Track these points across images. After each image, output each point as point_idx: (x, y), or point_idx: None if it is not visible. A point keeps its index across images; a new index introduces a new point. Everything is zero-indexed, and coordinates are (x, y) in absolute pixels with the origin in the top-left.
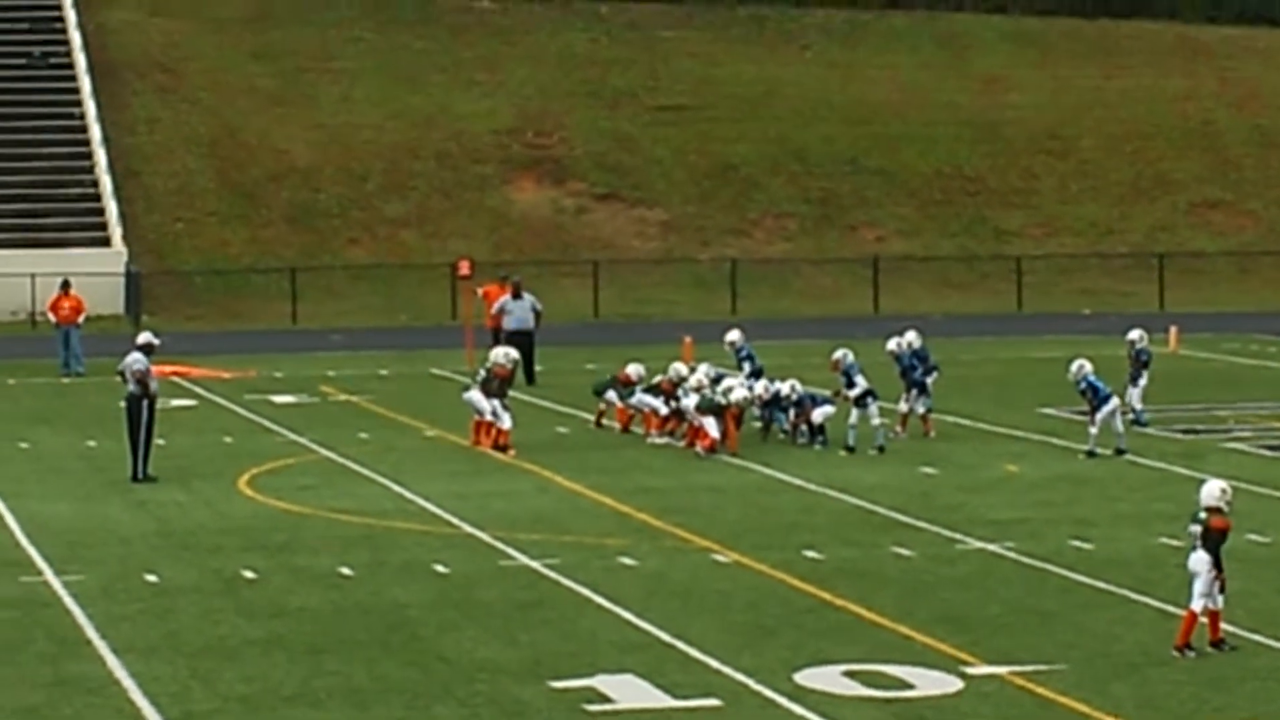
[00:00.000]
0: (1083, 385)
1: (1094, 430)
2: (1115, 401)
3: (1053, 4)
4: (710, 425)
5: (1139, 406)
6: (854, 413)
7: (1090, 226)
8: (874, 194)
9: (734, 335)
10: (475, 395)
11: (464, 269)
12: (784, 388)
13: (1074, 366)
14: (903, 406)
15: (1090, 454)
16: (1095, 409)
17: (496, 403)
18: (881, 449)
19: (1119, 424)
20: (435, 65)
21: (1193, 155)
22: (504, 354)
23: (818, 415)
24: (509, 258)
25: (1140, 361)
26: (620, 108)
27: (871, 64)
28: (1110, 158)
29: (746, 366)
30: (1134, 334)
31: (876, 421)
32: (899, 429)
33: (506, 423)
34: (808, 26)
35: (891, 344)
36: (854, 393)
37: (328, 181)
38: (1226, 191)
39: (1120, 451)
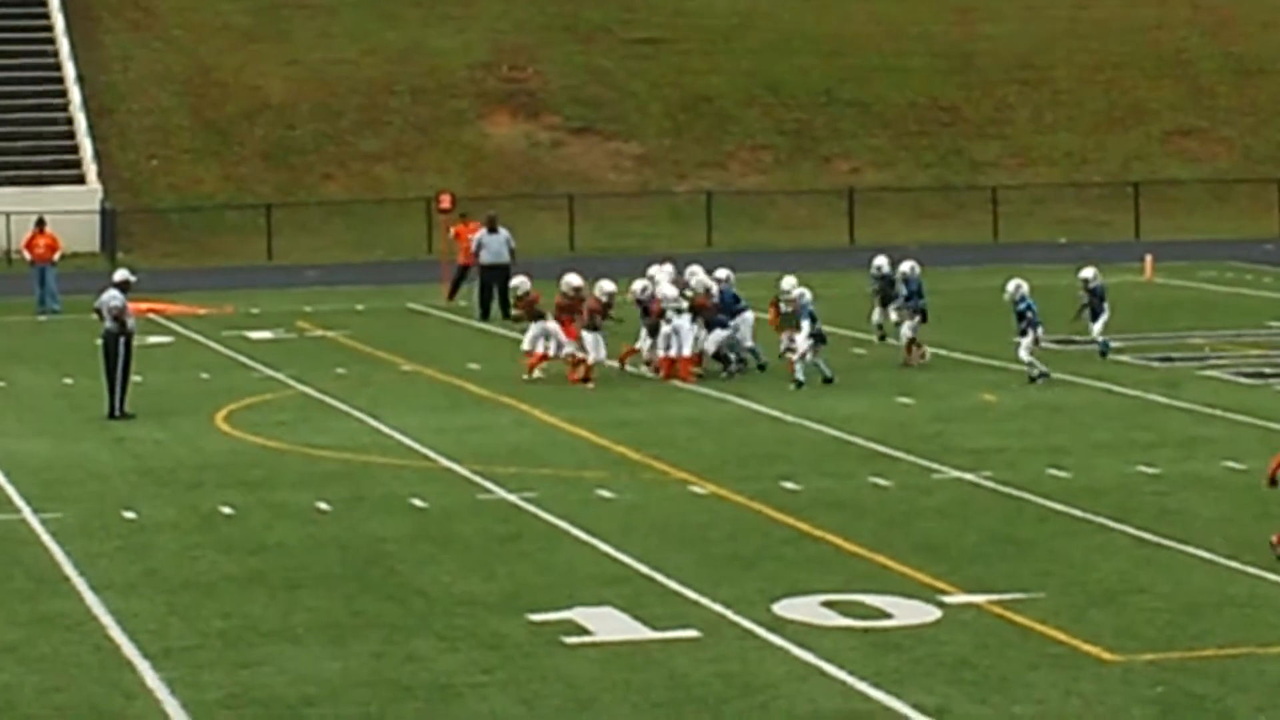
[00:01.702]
0: (1022, 305)
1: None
2: (1040, 330)
3: None
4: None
5: (1101, 338)
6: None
7: (1065, 156)
8: (848, 125)
9: (723, 273)
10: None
11: (444, 203)
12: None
13: (1011, 286)
14: (906, 332)
15: (1042, 376)
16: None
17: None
18: (799, 384)
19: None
20: (410, 0)
21: (1166, 84)
22: (599, 287)
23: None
24: (484, 192)
25: (1098, 296)
26: (594, 41)
27: None
28: (1084, 87)
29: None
30: (1087, 272)
31: (801, 354)
32: (915, 354)
33: (592, 354)
34: None
35: (881, 260)
36: (802, 335)
37: (303, 118)
38: (1201, 119)
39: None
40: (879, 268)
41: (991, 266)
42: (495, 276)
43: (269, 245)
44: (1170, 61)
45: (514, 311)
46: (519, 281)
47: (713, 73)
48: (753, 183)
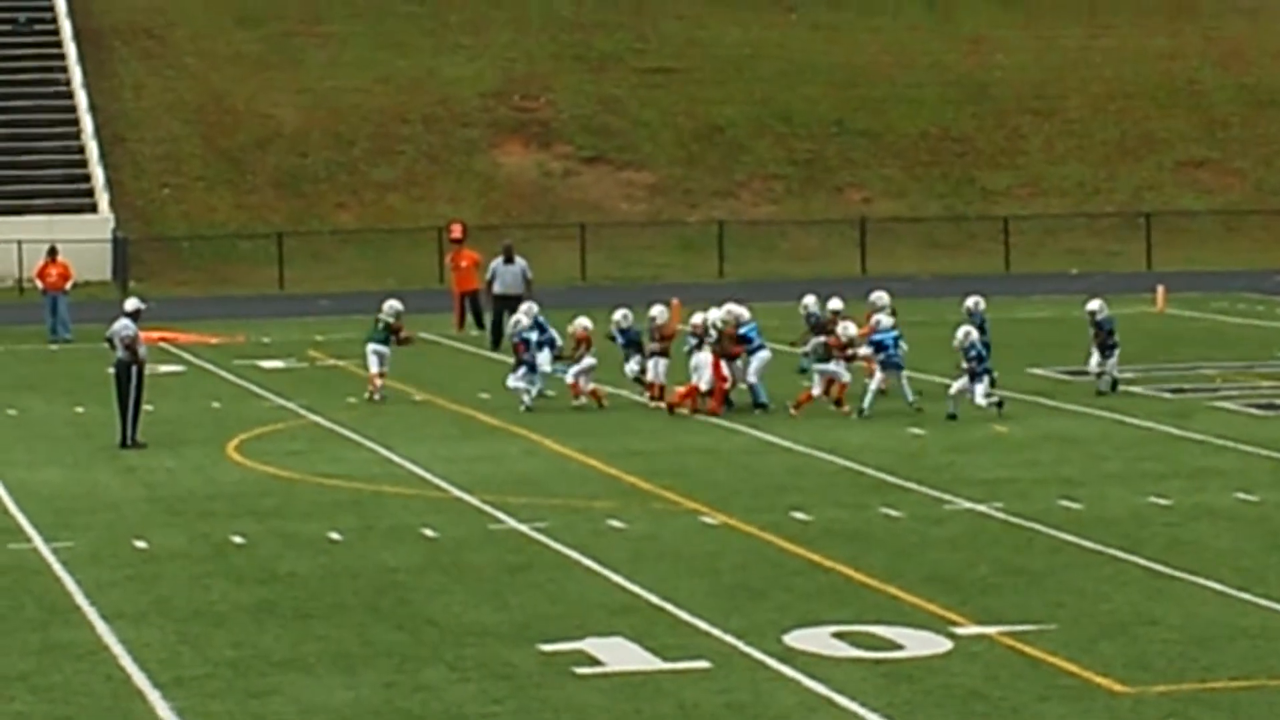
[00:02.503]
0: (973, 352)
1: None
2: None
3: None
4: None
5: (1101, 370)
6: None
7: (1077, 186)
8: (860, 155)
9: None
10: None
11: (456, 232)
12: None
13: (960, 334)
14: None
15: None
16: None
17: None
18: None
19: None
20: (422, 29)
21: (1178, 114)
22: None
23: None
24: (496, 221)
25: (1106, 330)
26: (606, 70)
27: (857, 25)
28: (1096, 117)
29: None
30: (1093, 304)
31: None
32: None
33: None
34: None
35: (809, 300)
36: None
37: (315, 146)
38: (1213, 150)
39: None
40: (805, 306)
41: (1003, 297)
42: (508, 306)
43: (281, 274)
44: (1182, 92)
45: (652, 346)
46: (656, 311)
47: (724, 102)
48: (764, 213)
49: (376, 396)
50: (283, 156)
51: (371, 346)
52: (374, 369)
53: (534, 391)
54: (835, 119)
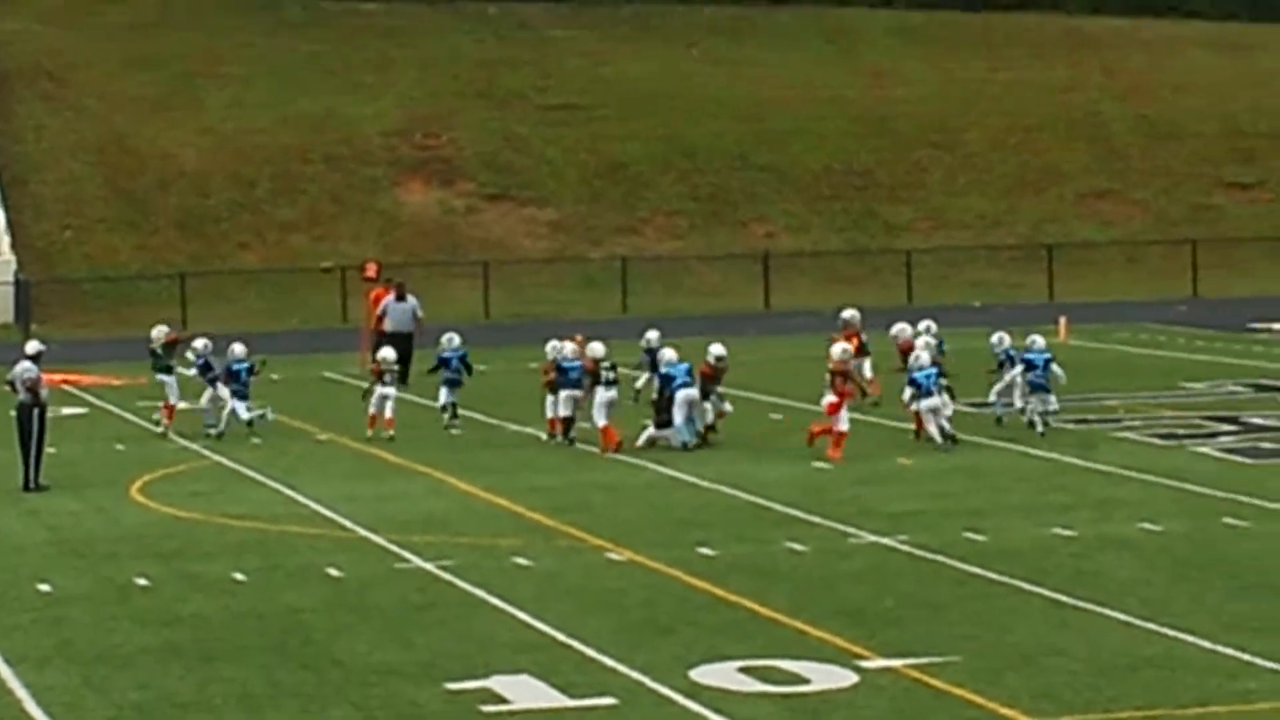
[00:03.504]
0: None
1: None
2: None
3: None
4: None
5: (998, 402)
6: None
7: (978, 219)
8: (763, 190)
9: (651, 335)
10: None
11: (370, 271)
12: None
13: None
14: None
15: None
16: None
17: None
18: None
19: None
20: (323, 68)
21: (1079, 146)
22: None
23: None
24: (399, 260)
25: (1011, 362)
26: (509, 108)
27: (759, 60)
28: (997, 150)
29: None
30: (995, 337)
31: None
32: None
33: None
34: (695, 24)
35: (652, 335)
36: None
37: (217, 186)
38: (1113, 181)
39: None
40: (649, 340)
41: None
42: (396, 345)
43: (184, 315)
44: (1083, 124)
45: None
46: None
47: (627, 139)
48: (668, 248)
49: (163, 427)
50: (184, 197)
51: (159, 378)
52: (171, 399)
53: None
54: (738, 154)
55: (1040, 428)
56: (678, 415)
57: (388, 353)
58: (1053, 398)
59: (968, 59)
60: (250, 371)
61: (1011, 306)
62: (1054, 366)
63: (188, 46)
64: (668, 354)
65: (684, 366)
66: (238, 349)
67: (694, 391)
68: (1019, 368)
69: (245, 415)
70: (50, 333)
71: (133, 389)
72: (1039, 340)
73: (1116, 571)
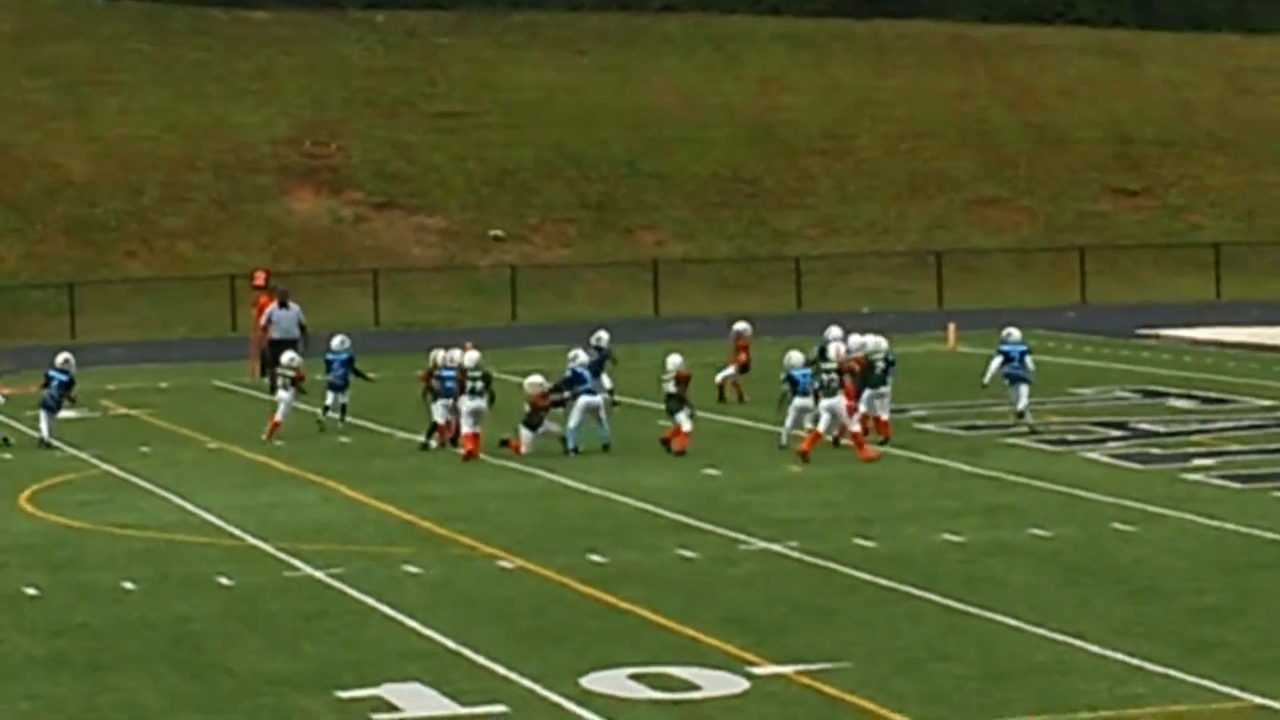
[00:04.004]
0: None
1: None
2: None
3: (826, 5)
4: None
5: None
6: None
7: (868, 226)
8: (651, 197)
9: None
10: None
11: (259, 279)
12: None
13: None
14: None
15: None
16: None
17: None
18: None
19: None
20: (211, 76)
21: (968, 153)
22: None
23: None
24: (287, 268)
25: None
26: (397, 116)
27: (647, 68)
28: (886, 157)
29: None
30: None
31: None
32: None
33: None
34: (583, 32)
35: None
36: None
37: (105, 195)
38: (1002, 189)
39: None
40: (599, 339)
41: (796, 337)
42: (283, 351)
43: (72, 324)
44: (971, 131)
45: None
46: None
47: (515, 146)
48: (557, 256)
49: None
50: (72, 205)
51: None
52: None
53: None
54: (626, 161)
55: (1028, 415)
56: (573, 419)
57: (290, 358)
58: (1024, 389)
59: (856, 66)
60: (65, 386)
61: (900, 313)
62: (1028, 359)
63: (74, 55)
64: (675, 360)
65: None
66: (60, 359)
67: (597, 399)
68: (996, 360)
69: (45, 430)
70: None
71: (21, 398)
72: (1014, 333)
73: (1006, 577)
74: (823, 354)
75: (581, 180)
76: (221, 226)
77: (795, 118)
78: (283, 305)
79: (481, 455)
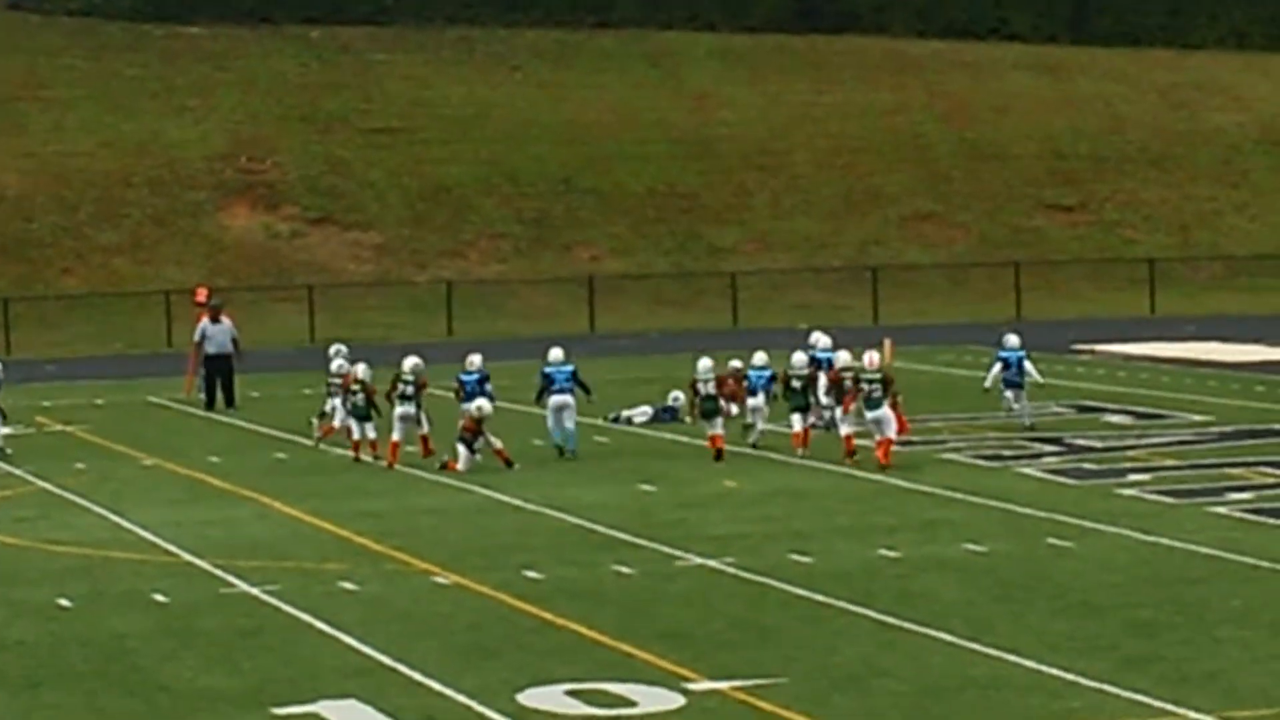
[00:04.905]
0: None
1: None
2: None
3: (761, 21)
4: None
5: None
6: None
7: (803, 241)
8: (587, 213)
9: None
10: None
11: (200, 296)
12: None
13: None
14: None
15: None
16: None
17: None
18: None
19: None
20: (146, 92)
21: (903, 169)
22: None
23: None
24: (224, 284)
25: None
26: (332, 131)
27: (582, 84)
28: (822, 172)
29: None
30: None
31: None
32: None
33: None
34: (518, 47)
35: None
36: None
37: (39, 210)
38: (937, 204)
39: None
40: (472, 363)
41: (731, 352)
42: (219, 366)
43: (7, 339)
44: (907, 146)
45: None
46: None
47: (451, 162)
48: (493, 271)
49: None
50: (7, 222)
51: None
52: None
53: None
54: (562, 177)
55: (1028, 420)
56: (549, 420)
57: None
58: (1023, 394)
59: (792, 81)
60: None
61: (837, 328)
62: (1027, 364)
63: (8, 69)
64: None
65: (568, 369)
66: None
67: (568, 399)
68: (997, 365)
69: None
70: None
71: None
72: (1013, 339)
73: (942, 592)
74: (827, 364)
75: (517, 196)
76: (157, 243)
77: (731, 133)
78: (215, 320)
79: (420, 473)
